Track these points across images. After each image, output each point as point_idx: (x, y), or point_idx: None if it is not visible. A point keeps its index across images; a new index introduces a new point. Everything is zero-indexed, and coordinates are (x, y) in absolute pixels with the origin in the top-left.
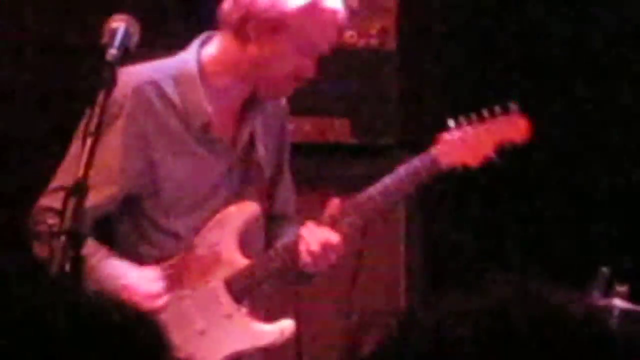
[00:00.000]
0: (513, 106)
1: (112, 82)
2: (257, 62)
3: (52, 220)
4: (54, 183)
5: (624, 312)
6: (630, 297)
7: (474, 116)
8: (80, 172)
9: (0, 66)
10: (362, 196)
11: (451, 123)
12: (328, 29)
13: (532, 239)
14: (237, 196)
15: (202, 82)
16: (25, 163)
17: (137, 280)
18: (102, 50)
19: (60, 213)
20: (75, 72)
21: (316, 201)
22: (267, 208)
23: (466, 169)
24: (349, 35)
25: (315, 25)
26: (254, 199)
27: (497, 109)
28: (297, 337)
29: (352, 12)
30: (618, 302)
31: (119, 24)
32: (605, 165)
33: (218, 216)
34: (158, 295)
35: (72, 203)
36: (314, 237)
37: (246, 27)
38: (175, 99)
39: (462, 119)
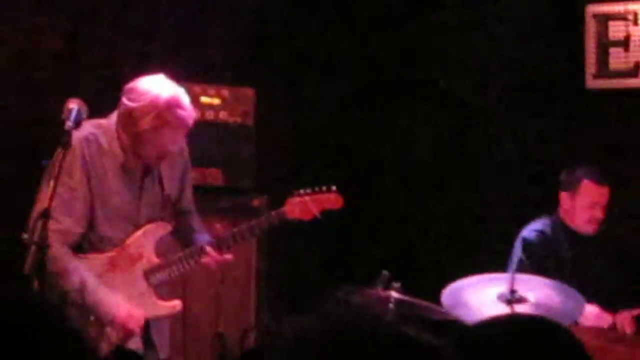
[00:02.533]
0: (333, 187)
1: (68, 144)
2: (132, 144)
3: (57, 239)
4: (39, 209)
5: (398, 300)
6: (402, 290)
7: (309, 190)
8: (46, 204)
9: None
10: (236, 229)
11: (295, 193)
12: (179, 132)
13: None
14: (151, 210)
15: (117, 136)
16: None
17: (124, 310)
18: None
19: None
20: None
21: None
22: (175, 215)
23: (301, 221)
24: (223, 114)
25: (167, 131)
26: (166, 219)
27: (324, 187)
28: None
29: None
30: (394, 294)
31: (74, 105)
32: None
33: (144, 227)
34: (138, 321)
35: (40, 224)
36: (214, 256)
37: (124, 118)
38: (105, 145)
39: (302, 191)
